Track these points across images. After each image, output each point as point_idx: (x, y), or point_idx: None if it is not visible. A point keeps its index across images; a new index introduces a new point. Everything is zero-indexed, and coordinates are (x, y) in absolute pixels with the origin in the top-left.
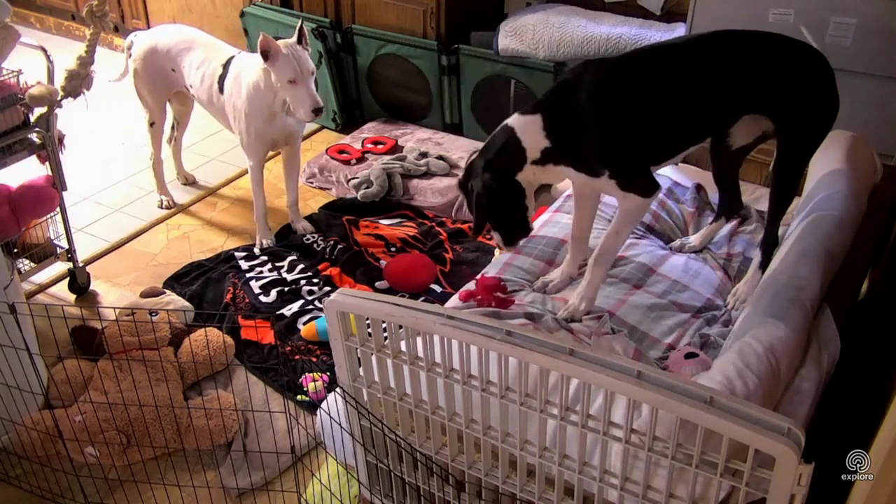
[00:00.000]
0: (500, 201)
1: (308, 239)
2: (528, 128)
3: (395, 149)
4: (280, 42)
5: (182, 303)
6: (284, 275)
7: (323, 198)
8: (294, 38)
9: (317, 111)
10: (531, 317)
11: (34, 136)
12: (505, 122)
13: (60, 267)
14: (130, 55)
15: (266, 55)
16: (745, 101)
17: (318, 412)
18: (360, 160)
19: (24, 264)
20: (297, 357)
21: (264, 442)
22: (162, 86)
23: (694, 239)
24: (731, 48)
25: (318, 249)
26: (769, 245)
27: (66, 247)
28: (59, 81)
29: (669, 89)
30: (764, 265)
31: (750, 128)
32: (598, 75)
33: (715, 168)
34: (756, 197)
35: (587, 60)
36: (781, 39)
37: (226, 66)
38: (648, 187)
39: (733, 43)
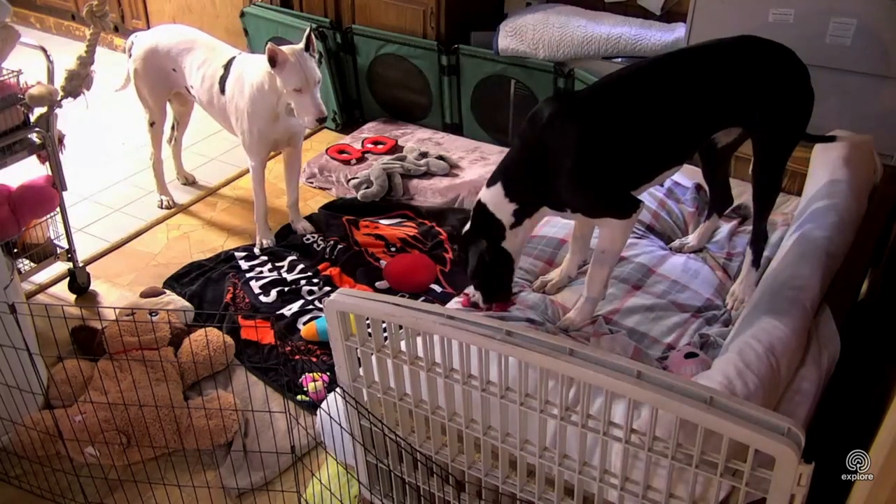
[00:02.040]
0: (490, 269)
1: (308, 239)
2: (494, 200)
3: (395, 149)
4: (287, 49)
5: (182, 303)
6: (284, 275)
7: (323, 198)
8: (301, 45)
9: (320, 120)
10: (531, 322)
11: (34, 136)
12: (479, 195)
13: (60, 267)
14: (131, 56)
15: (273, 62)
16: (713, 119)
17: (318, 412)
18: (360, 160)
19: (24, 264)
20: (297, 357)
21: (264, 442)
22: (162, 86)
23: (692, 238)
24: (689, 68)
25: (318, 249)
26: (758, 243)
27: (66, 247)
28: (59, 81)
29: (630, 122)
30: (756, 262)
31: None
32: (547, 125)
33: (703, 166)
34: None
35: (542, 104)
36: (742, 44)
37: (227, 66)
38: (624, 209)
39: (692, 62)
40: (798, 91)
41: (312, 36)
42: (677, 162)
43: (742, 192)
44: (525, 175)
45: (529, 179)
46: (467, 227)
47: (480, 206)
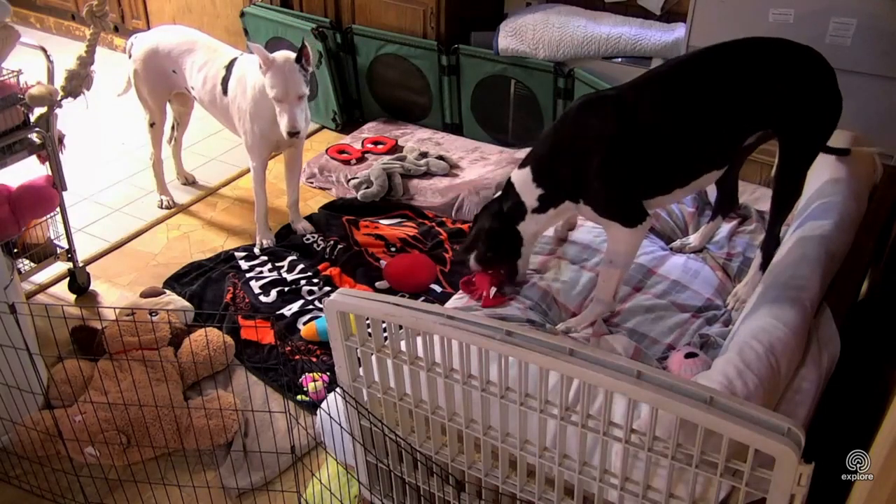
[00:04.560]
0: (496, 244)
1: (308, 239)
2: (522, 181)
3: (395, 149)
4: (281, 56)
5: (182, 303)
6: (284, 275)
7: (323, 198)
8: (293, 55)
9: (291, 134)
10: (532, 323)
11: (34, 136)
12: (510, 175)
13: (60, 267)
14: (131, 57)
15: (263, 66)
16: (748, 121)
17: (318, 412)
18: (360, 160)
19: (24, 264)
20: (297, 357)
21: (264, 442)
22: (162, 87)
23: (693, 239)
24: (718, 70)
25: (318, 249)
26: (770, 247)
27: (66, 247)
28: (59, 81)
29: (665, 119)
30: (764, 266)
31: None
32: (578, 112)
33: None
34: (756, 197)
35: (578, 98)
36: (775, 46)
37: (229, 67)
38: (632, 217)
39: (720, 64)
40: (828, 96)
41: (308, 49)
42: (714, 166)
43: (742, 192)
44: (554, 163)
45: (557, 168)
46: (495, 196)
47: (510, 183)
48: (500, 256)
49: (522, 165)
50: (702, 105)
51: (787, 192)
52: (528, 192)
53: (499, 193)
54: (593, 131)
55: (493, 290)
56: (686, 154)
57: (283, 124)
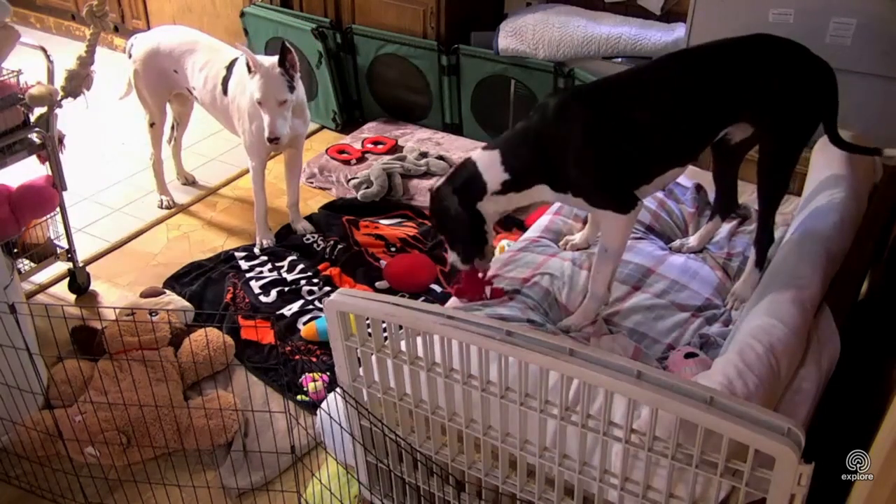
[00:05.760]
0: (460, 226)
1: (308, 239)
2: (488, 162)
3: (395, 149)
4: (268, 62)
5: (182, 303)
6: (284, 275)
7: (323, 198)
8: (276, 61)
9: (270, 140)
10: (532, 323)
11: (34, 136)
12: (469, 154)
13: (60, 267)
14: (131, 57)
15: (251, 67)
16: (720, 117)
17: (318, 412)
18: (360, 160)
19: (24, 264)
20: (297, 357)
21: (264, 442)
22: (163, 87)
23: (693, 239)
24: (699, 66)
25: (318, 249)
26: (763, 243)
27: (66, 247)
28: (59, 81)
29: (638, 113)
30: (760, 263)
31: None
32: (556, 108)
33: (715, 165)
34: (756, 197)
35: (552, 93)
36: (751, 42)
37: (229, 67)
38: (624, 204)
39: (702, 60)
40: (809, 88)
41: (293, 54)
42: (681, 161)
43: (742, 192)
44: (528, 152)
45: (532, 157)
46: (441, 181)
47: (470, 162)
48: (467, 241)
49: (489, 148)
50: (675, 103)
51: (769, 184)
52: (494, 174)
53: (441, 181)
54: (577, 129)
55: (488, 288)
56: (658, 146)
57: (264, 129)
